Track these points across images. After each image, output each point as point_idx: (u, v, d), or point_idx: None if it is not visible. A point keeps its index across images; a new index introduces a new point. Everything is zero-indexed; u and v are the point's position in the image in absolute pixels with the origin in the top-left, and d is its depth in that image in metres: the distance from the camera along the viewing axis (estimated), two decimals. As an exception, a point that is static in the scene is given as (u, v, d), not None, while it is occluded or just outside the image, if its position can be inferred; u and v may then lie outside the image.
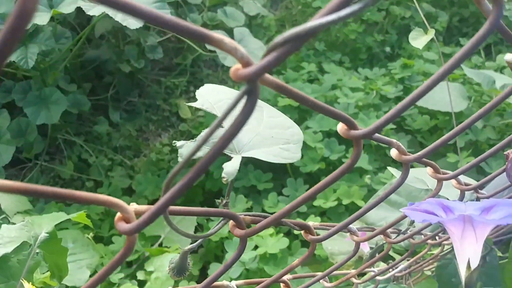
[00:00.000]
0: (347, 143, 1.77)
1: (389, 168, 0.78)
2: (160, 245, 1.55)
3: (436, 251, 1.09)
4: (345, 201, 1.55)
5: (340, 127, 0.37)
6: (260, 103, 0.48)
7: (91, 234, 1.46)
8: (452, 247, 1.11)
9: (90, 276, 1.29)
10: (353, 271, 0.84)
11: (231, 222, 0.42)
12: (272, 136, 0.44)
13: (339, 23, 0.23)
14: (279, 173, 1.85)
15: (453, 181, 0.67)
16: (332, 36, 2.70)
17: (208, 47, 1.95)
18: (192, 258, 1.47)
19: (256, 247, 1.44)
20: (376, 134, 0.43)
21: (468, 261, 0.41)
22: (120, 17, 1.42)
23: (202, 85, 1.85)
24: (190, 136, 2.29)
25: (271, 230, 1.50)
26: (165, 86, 2.51)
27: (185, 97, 2.48)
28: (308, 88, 1.90)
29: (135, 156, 2.31)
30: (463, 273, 0.42)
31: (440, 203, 0.45)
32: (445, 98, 1.71)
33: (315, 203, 1.58)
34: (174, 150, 2.26)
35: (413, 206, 0.44)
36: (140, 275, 1.40)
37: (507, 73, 2.42)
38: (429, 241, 0.97)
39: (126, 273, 1.46)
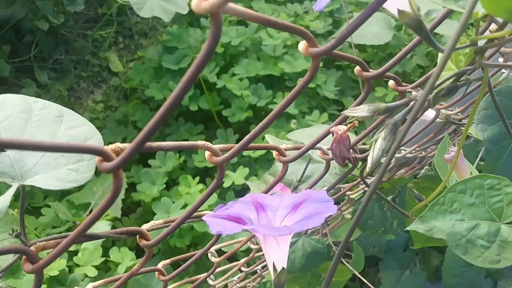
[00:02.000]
0: (274, 88, 1.73)
1: (266, 136, 0.75)
2: (91, 212, 1.52)
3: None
4: (273, 148, 1.53)
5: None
6: (62, 112, 0.44)
7: (16, 210, 1.43)
8: (365, 191, 1.11)
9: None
10: (241, 261, 0.83)
11: (24, 257, 0.39)
12: (62, 154, 0.40)
13: None
14: (211, 123, 1.81)
15: (319, 152, 0.65)
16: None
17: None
18: (127, 220, 1.42)
19: (185, 205, 1.43)
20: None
21: (274, 265, 0.40)
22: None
23: (132, 34, 1.75)
24: (123, 91, 2.21)
25: (200, 186, 1.48)
26: (92, 39, 2.38)
27: (114, 49, 2.37)
28: (232, 32, 1.82)
29: (69, 116, 2.22)
30: (271, 275, 0.40)
31: (256, 201, 0.43)
32: (371, 30, 1.67)
33: (245, 152, 1.57)
34: (108, 107, 2.19)
35: (220, 210, 0.41)
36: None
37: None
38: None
39: (58, 244, 1.44)
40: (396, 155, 0.95)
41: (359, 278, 1.26)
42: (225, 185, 1.49)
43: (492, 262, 0.45)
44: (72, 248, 1.39)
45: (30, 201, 1.72)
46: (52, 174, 0.39)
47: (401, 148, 0.98)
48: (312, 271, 1.11)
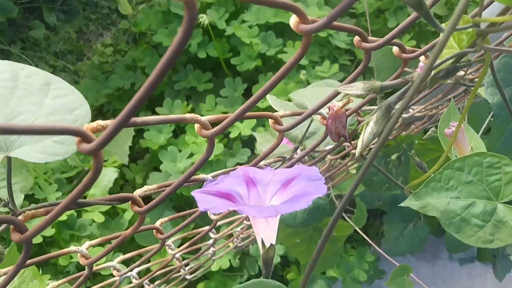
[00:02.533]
0: (285, 36, 1.68)
1: (267, 96, 0.73)
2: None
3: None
4: (281, 99, 1.51)
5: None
6: (49, 79, 0.43)
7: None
8: (370, 148, 1.11)
9: (25, 199, 1.29)
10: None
11: (11, 228, 0.39)
12: (48, 126, 0.39)
13: None
14: (220, 70, 1.78)
15: (319, 117, 0.63)
16: None
17: None
18: (135, 167, 1.43)
19: (191, 155, 1.44)
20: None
21: (262, 241, 0.39)
22: None
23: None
24: (132, 35, 2.18)
25: (207, 135, 1.48)
26: (100, -20, 2.32)
27: (123, -10, 2.31)
28: (244, -24, 1.75)
29: (78, 59, 2.21)
30: (260, 250, 0.40)
31: (246, 175, 0.42)
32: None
33: (253, 102, 1.54)
34: (118, 51, 2.16)
35: (210, 185, 0.41)
36: (79, 192, 1.41)
37: None
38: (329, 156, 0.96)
39: (66, 189, 1.47)
40: (404, 115, 0.93)
41: (363, 229, 1.28)
42: (232, 135, 1.48)
43: (485, 242, 0.44)
44: (81, 193, 1.42)
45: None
46: (37, 146, 0.38)
47: (410, 107, 0.96)
48: (313, 225, 1.12)
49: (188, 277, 1.24)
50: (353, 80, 0.49)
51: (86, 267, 0.58)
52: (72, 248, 0.56)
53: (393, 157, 1.07)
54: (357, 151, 0.35)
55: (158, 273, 0.95)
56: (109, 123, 0.35)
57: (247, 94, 1.66)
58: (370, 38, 0.48)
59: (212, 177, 0.60)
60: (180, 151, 1.45)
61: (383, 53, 1.66)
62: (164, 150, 1.45)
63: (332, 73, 1.59)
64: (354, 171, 1.22)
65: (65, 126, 0.30)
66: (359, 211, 1.23)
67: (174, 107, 1.61)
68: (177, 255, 0.89)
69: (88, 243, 0.59)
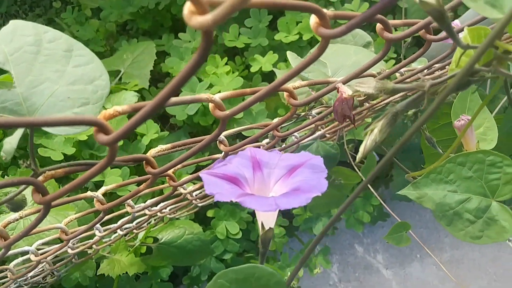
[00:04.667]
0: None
1: (288, 53, 0.73)
2: (120, 80, 1.56)
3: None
4: (306, 36, 1.49)
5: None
6: (71, 45, 0.44)
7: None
8: (386, 103, 1.11)
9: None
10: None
11: (32, 188, 0.42)
12: (68, 96, 0.41)
13: None
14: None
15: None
16: None
17: None
18: (155, 91, 1.45)
19: (211, 86, 1.45)
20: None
21: (262, 224, 0.42)
22: None
23: None
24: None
25: (227, 67, 1.48)
26: None
27: None
28: None
29: (104, -29, 2.16)
30: (260, 231, 0.43)
31: (254, 157, 0.44)
32: None
33: (277, 36, 1.53)
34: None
35: (218, 167, 0.43)
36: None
37: None
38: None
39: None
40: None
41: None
42: (253, 69, 1.48)
43: (473, 237, 0.46)
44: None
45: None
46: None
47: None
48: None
49: (199, 204, 1.30)
50: (374, 63, 0.49)
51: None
52: (88, 193, 0.60)
53: (410, 112, 1.07)
54: (358, 157, 0.36)
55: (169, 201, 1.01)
56: (126, 108, 0.36)
57: (272, 25, 1.63)
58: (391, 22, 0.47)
59: (225, 136, 0.62)
60: (200, 80, 1.46)
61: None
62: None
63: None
64: (369, 120, 1.23)
65: (85, 118, 0.32)
66: (369, 161, 1.25)
67: (196, 34, 1.60)
68: (188, 190, 0.93)
69: (104, 188, 0.63)
